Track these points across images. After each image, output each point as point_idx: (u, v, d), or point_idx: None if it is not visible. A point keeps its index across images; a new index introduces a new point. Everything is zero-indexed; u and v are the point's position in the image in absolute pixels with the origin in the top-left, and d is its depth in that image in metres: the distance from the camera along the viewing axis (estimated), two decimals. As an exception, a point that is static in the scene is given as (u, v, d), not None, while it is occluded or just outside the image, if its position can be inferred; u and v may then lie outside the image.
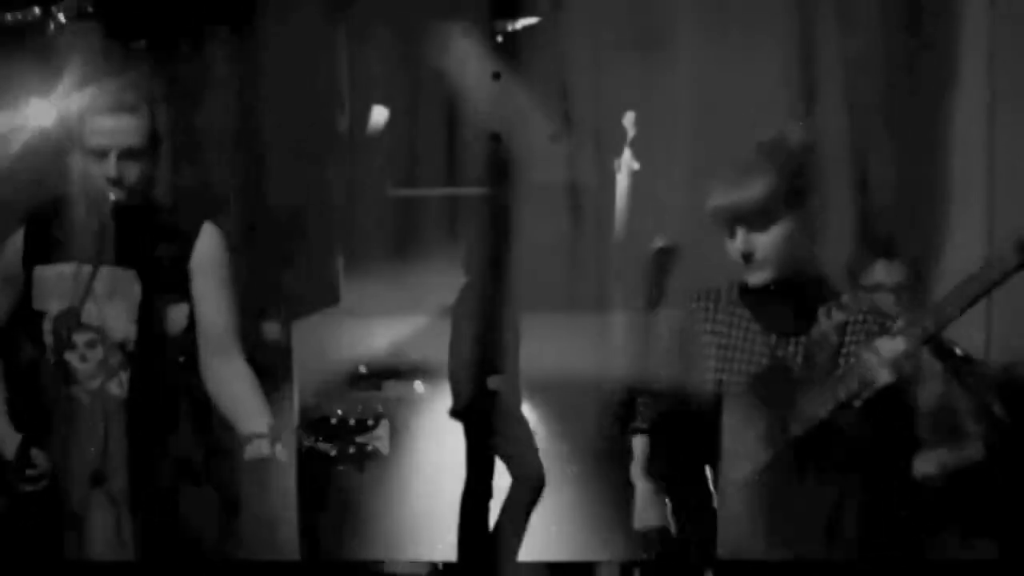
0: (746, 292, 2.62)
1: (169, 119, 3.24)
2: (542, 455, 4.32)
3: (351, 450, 2.88)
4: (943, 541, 3.20)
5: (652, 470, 2.71)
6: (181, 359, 2.93)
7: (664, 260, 3.83)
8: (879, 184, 4.02)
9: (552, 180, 4.83)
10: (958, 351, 3.22)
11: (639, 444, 2.77)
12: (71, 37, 3.49)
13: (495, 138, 4.51)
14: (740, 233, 2.53)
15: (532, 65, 4.76)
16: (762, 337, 2.60)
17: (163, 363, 2.91)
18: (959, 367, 3.20)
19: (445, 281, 4.48)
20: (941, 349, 3.11)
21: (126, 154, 2.79)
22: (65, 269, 2.85)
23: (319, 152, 4.57)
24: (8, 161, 3.15)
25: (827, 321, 2.57)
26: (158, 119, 2.88)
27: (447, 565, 3.93)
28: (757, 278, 2.55)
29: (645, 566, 2.74)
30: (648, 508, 2.71)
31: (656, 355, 2.75)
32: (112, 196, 2.77)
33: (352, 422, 2.89)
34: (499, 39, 4.82)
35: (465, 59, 4.75)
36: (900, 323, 2.43)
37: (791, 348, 2.59)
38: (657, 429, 2.74)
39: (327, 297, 4.69)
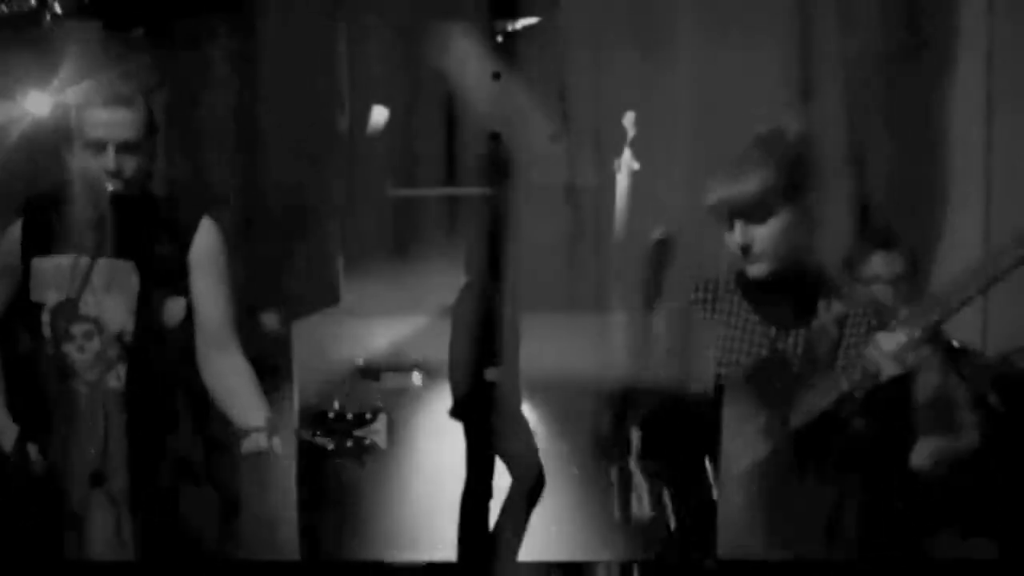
0: (745, 284, 2.62)
1: (166, 112, 3.24)
2: (542, 455, 4.33)
3: (349, 444, 2.89)
4: (943, 540, 3.20)
5: (643, 462, 2.72)
6: (179, 352, 2.93)
7: (662, 252, 3.83)
8: (877, 176, 4.03)
9: (552, 180, 4.82)
10: (955, 342, 3.23)
11: (637, 436, 2.77)
12: (67, 29, 3.49)
13: (495, 138, 4.51)
14: (738, 226, 2.54)
15: (532, 65, 4.76)
16: (761, 328, 2.61)
17: (161, 356, 2.92)
18: (956, 358, 3.21)
19: (445, 281, 4.49)
20: (938, 340, 3.12)
21: (124, 147, 2.80)
22: (63, 261, 2.85)
23: (319, 152, 4.57)
24: (5, 153, 3.15)
25: (827, 313, 2.58)
26: (155, 112, 2.89)
27: (447, 565, 3.92)
28: (756, 270, 2.56)
29: (645, 565, 2.75)
30: (640, 499, 2.72)
31: (655, 353, 2.75)
32: (110, 188, 2.78)
33: (350, 416, 2.90)
34: (499, 39, 4.82)
35: (465, 59, 4.75)
36: (904, 314, 2.44)
37: (791, 340, 2.60)
38: (651, 422, 2.74)
39: (327, 297, 4.69)
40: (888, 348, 2.38)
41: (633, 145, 4.69)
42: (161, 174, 3.15)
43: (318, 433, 2.87)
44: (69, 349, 2.86)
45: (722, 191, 2.54)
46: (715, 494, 2.58)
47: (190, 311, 2.94)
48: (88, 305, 2.84)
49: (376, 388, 4.61)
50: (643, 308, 2.90)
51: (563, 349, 4.31)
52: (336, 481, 4.15)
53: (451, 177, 4.96)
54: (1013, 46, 3.84)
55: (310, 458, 3.07)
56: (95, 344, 2.86)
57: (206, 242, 2.94)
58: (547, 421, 4.53)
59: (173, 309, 2.91)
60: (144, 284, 2.88)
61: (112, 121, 2.80)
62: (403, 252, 4.92)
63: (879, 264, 3.26)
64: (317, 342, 4.45)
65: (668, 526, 2.64)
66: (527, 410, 4.43)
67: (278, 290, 4.29)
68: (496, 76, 4.67)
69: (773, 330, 2.61)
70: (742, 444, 2.57)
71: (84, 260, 2.82)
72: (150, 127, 2.87)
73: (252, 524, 3.20)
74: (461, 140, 4.90)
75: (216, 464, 3.02)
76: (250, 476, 2.93)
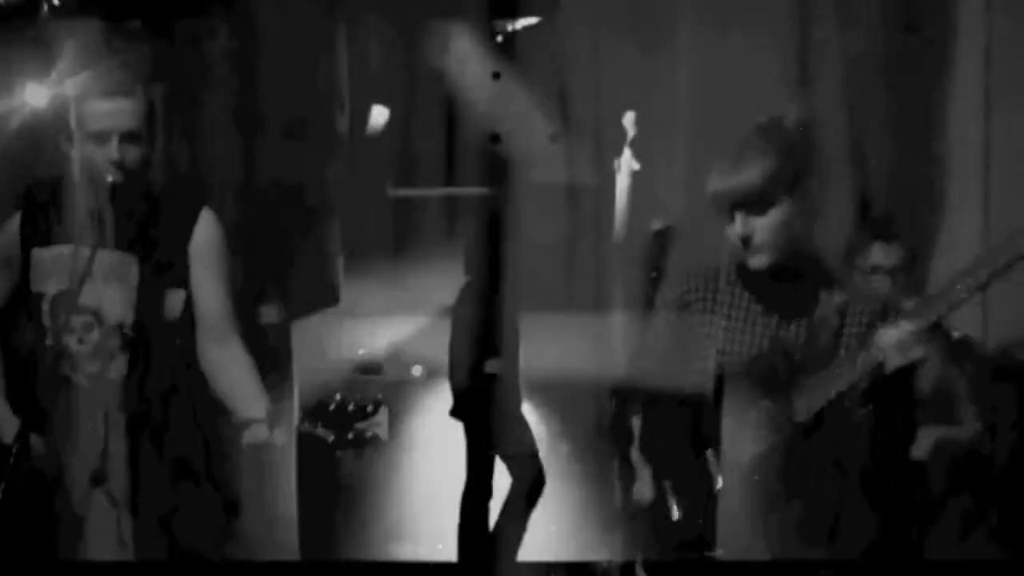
0: (746, 274, 2.62)
1: (165, 104, 3.24)
2: (542, 455, 4.32)
3: (350, 436, 2.89)
4: (943, 540, 3.20)
5: (643, 448, 2.72)
6: (178, 343, 2.94)
7: (663, 242, 3.84)
8: (876, 167, 4.03)
9: (552, 180, 4.82)
10: (955, 334, 3.23)
11: (637, 425, 2.78)
12: (66, 20, 3.49)
13: (495, 138, 4.51)
14: (739, 217, 2.54)
15: (531, 65, 4.76)
16: (763, 319, 2.61)
17: (160, 347, 2.92)
18: (956, 350, 3.21)
19: (445, 281, 4.49)
20: (938, 332, 3.12)
21: (127, 137, 2.80)
22: (63, 251, 2.86)
23: (319, 152, 4.57)
24: (5, 144, 3.16)
25: (828, 303, 2.58)
26: (155, 103, 2.89)
27: (447, 565, 3.93)
28: (757, 261, 2.56)
29: (646, 565, 2.74)
30: (641, 484, 2.72)
31: (655, 351, 2.75)
32: (111, 179, 2.78)
33: (351, 408, 2.90)
34: (499, 39, 4.81)
35: (465, 59, 4.75)
36: (910, 306, 2.44)
37: (792, 330, 2.60)
38: (652, 412, 2.74)
39: (327, 297, 4.69)
40: (893, 339, 2.39)
41: (633, 145, 4.69)
42: (160, 165, 3.15)
43: (319, 425, 2.87)
44: (69, 340, 2.86)
45: (723, 182, 2.55)
46: (717, 485, 2.58)
47: (190, 303, 2.94)
48: (88, 296, 2.85)
49: (377, 382, 4.61)
50: (644, 299, 2.91)
51: (563, 349, 4.31)
52: (337, 474, 4.16)
53: (451, 177, 4.96)
54: (1011, 25, 3.84)
55: (310, 451, 3.07)
56: (95, 335, 2.87)
57: (206, 233, 2.94)
58: (547, 421, 4.53)
59: (173, 301, 2.92)
60: (144, 275, 2.88)
61: (114, 111, 2.81)
62: (403, 252, 4.92)
63: (878, 255, 3.27)
64: (317, 342, 4.45)
65: (669, 513, 2.64)
66: (527, 410, 4.43)
67: (278, 284, 4.30)
68: (496, 76, 4.67)
69: (775, 320, 2.61)
70: (744, 435, 2.57)
71: (84, 251, 2.82)
72: (151, 117, 2.88)
73: (252, 524, 3.21)
74: (461, 140, 4.90)
75: (216, 464, 3.02)
76: (250, 468, 2.94)
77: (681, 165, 4.16)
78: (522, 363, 4.30)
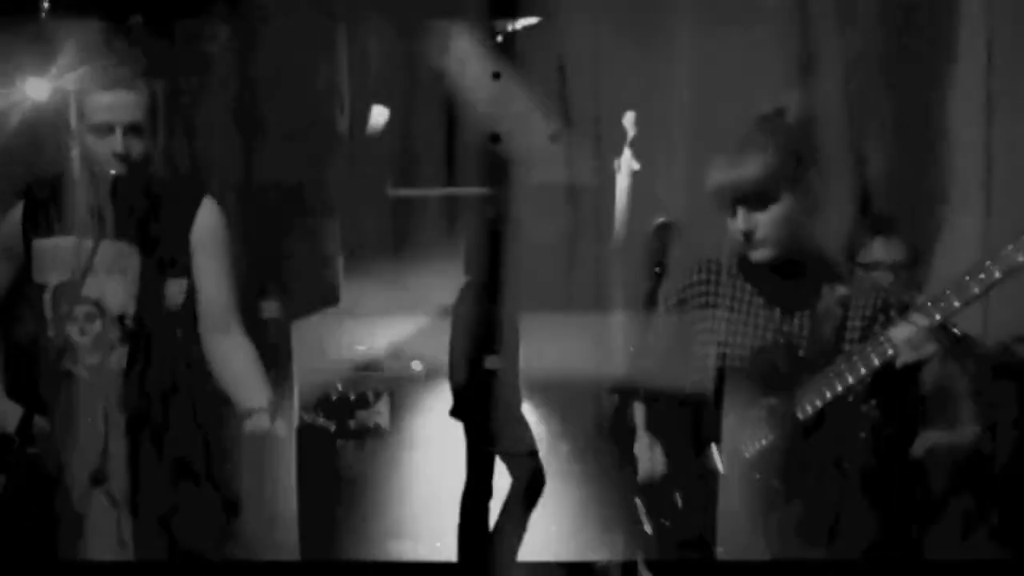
0: (748, 268, 2.62)
1: (166, 102, 3.24)
2: (542, 455, 4.32)
3: (352, 425, 2.91)
4: (943, 540, 3.20)
5: (651, 426, 2.72)
6: (179, 336, 2.94)
7: (664, 237, 3.84)
8: (877, 163, 4.03)
9: (552, 180, 4.82)
10: (956, 330, 3.23)
11: (642, 410, 2.78)
12: (67, 13, 3.49)
13: (495, 138, 4.51)
14: (741, 212, 2.54)
15: (532, 65, 4.76)
16: (766, 312, 2.62)
17: (162, 338, 2.93)
18: (956, 347, 3.21)
19: (445, 281, 4.48)
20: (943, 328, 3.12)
21: (131, 129, 2.81)
22: (65, 242, 2.87)
23: (319, 152, 4.58)
24: (6, 137, 3.16)
25: (830, 296, 2.58)
26: (158, 95, 2.90)
27: (447, 565, 3.92)
28: (758, 256, 2.56)
29: (647, 565, 2.74)
30: (645, 458, 2.72)
31: (656, 349, 2.76)
32: (114, 171, 2.79)
33: (352, 398, 2.91)
34: (499, 39, 4.81)
35: (465, 59, 4.75)
36: (922, 301, 2.44)
37: (796, 323, 2.60)
38: (656, 402, 2.74)
39: (327, 297, 4.69)
40: (904, 336, 2.39)
41: (633, 145, 4.69)
42: (162, 160, 3.15)
43: (321, 415, 2.88)
44: (71, 331, 2.87)
45: (724, 176, 2.55)
46: (720, 477, 2.59)
47: (191, 293, 2.95)
48: (90, 287, 2.85)
49: (377, 377, 4.60)
50: (647, 295, 2.91)
51: (563, 349, 4.31)
52: (337, 469, 4.15)
53: (451, 177, 4.96)
54: (1013, 21, 3.84)
55: (311, 446, 3.08)
56: (96, 326, 2.87)
57: (208, 222, 2.95)
58: (547, 421, 4.52)
59: (174, 291, 2.92)
60: (145, 266, 2.89)
61: (118, 104, 2.81)
62: (403, 252, 4.92)
63: (880, 250, 3.27)
64: (317, 342, 4.45)
65: (673, 485, 2.65)
66: (527, 410, 4.43)
67: (278, 283, 4.30)
68: (496, 76, 4.67)
69: (777, 313, 2.61)
70: (746, 432, 2.57)
71: (86, 242, 2.83)
72: (153, 110, 2.89)
73: (252, 523, 3.21)
74: (461, 140, 4.90)
75: (216, 464, 3.02)
76: (250, 464, 2.94)
77: (681, 164, 4.16)
78: (522, 363, 4.30)
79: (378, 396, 2.86)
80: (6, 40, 3.27)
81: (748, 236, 2.56)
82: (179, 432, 2.96)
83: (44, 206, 2.91)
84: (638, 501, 2.73)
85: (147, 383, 2.91)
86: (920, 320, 2.40)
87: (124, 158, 2.81)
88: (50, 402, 2.86)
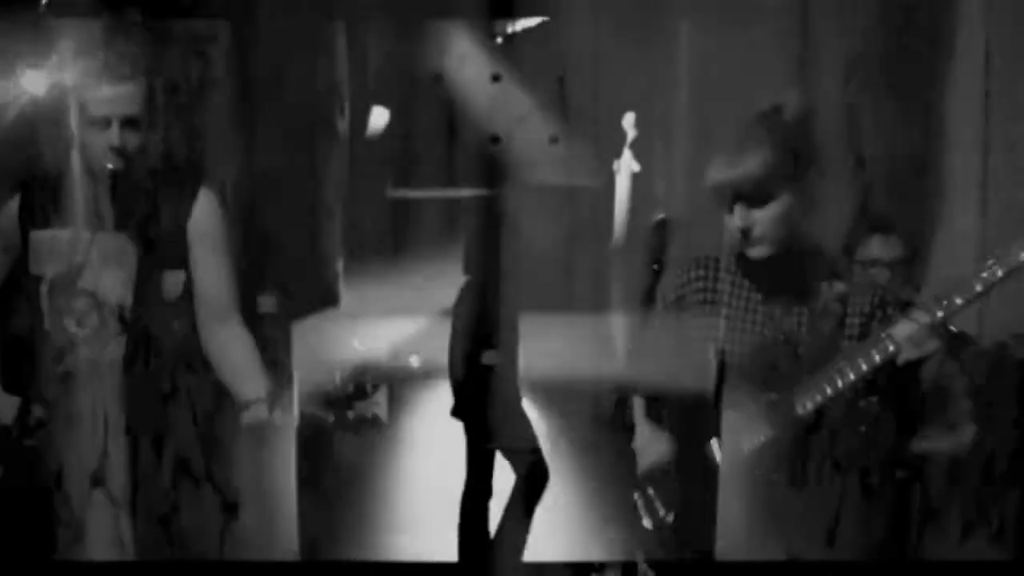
0: (746, 264, 2.63)
1: (164, 90, 3.25)
2: (545, 453, 4.31)
3: (350, 416, 2.91)
4: (943, 540, 3.20)
5: (652, 413, 2.72)
6: (177, 329, 2.94)
7: (663, 232, 3.84)
8: (875, 160, 4.03)
9: (552, 181, 4.82)
10: (952, 328, 3.23)
11: (642, 402, 2.78)
12: (65, 7, 3.49)
13: (494, 140, 4.51)
14: (739, 209, 2.55)
15: (531, 67, 4.76)
16: (764, 308, 2.62)
17: (160, 329, 2.93)
18: (953, 344, 3.21)
19: (445, 282, 4.48)
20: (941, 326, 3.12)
21: (128, 122, 2.81)
22: (61, 234, 2.87)
23: (319, 152, 4.58)
24: (4, 130, 3.16)
25: (829, 292, 2.59)
26: (154, 89, 2.90)
27: (448, 565, 3.92)
28: (756, 253, 2.57)
29: (649, 565, 2.75)
30: (649, 446, 2.72)
31: (655, 347, 2.76)
32: (111, 164, 2.79)
33: (351, 389, 2.92)
34: (498, 40, 4.81)
35: (464, 61, 4.75)
36: (925, 298, 2.45)
37: (795, 319, 2.60)
38: (655, 397, 2.74)
39: (326, 298, 4.69)
40: (907, 333, 2.40)
41: (633, 146, 4.69)
42: (159, 153, 3.15)
43: (319, 407, 2.89)
44: (68, 323, 2.87)
45: (723, 173, 2.55)
46: (719, 472, 2.59)
47: (189, 285, 2.95)
48: (87, 279, 2.86)
49: (375, 372, 4.60)
50: (645, 292, 2.91)
51: (563, 350, 4.31)
52: (337, 465, 4.15)
53: (451, 178, 4.96)
54: (1011, 15, 3.84)
55: (311, 443, 3.08)
56: (93, 319, 2.88)
57: (205, 212, 2.96)
58: (547, 422, 4.52)
59: (172, 282, 2.92)
60: (143, 257, 2.89)
61: (116, 97, 2.82)
62: (403, 253, 4.92)
63: (877, 247, 3.27)
64: (316, 343, 4.45)
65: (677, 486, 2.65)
66: (528, 408, 4.42)
67: (277, 283, 4.30)
68: (496, 78, 4.67)
69: (775, 309, 2.62)
70: (745, 430, 2.58)
71: (83, 234, 2.83)
72: (151, 104, 2.89)
73: (252, 523, 3.20)
74: (461, 142, 4.90)
75: (216, 464, 3.02)
76: (250, 462, 2.94)
77: (681, 165, 4.16)
78: (522, 362, 4.29)
79: (376, 387, 2.86)
80: (3, 33, 3.27)
81: (746, 233, 2.56)
82: (179, 432, 2.96)
83: (41, 198, 2.92)
84: (637, 497, 2.74)
85: (147, 377, 2.91)
86: (923, 317, 2.41)
87: (121, 151, 2.82)
88: (47, 395, 2.87)
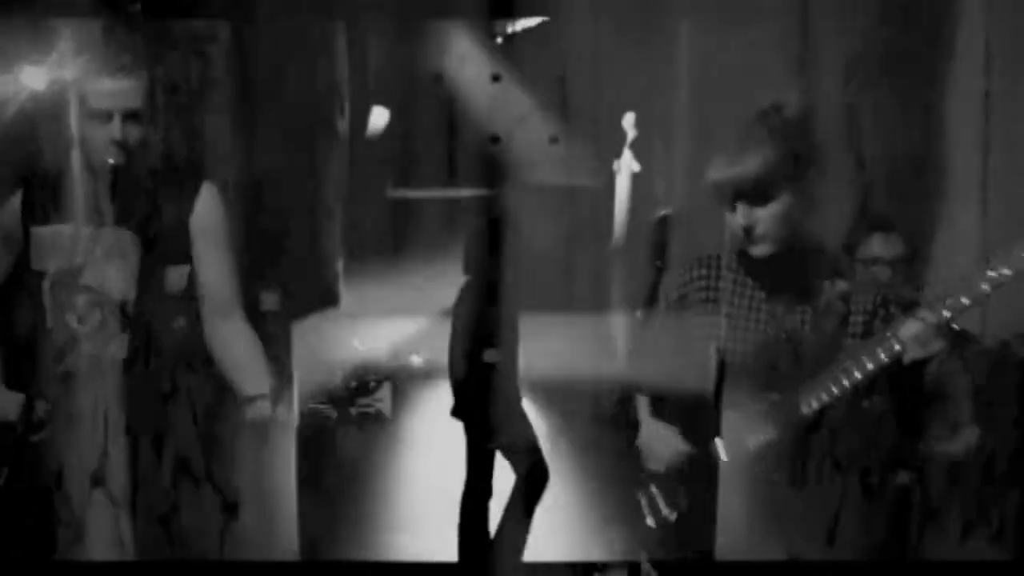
0: (748, 262, 2.63)
1: (166, 84, 3.24)
2: (545, 453, 4.31)
3: (353, 412, 2.91)
4: (943, 540, 3.20)
5: (658, 411, 2.72)
6: (180, 322, 2.94)
7: (666, 229, 3.84)
8: (875, 159, 4.03)
9: (552, 181, 4.82)
10: (955, 327, 3.22)
11: (646, 401, 2.78)
12: (64, 2, 3.49)
13: (494, 140, 4.51)
14: (741, 208, 2.55)
15: (531, 67, 4.76)
16: (766, 307, 2.62)
17: (162, 325, 2.93)
18: (957, 343, 3.21)
19: (445, 282, 4.48)
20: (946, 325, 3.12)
21: (129, 116, 2.81)
22: (64, 229, 2.86)
23: (319, 152, 4.58)
24: (5, 125, 3.16)
25: (831, 291, 2.59)
26: (156, 83, 2.90)
27: (448, 566, 3.92)
28: (758, 251, 2.57)
29: (651, 564, 2.74)
30: (662, 444, 2.72)
31: (656, 346, 2.76)
32: (113, 158, 2.79)
33: (354, 385, 2.92)
34: (498, 40, 4.82)
35: (464, 61, 4.75)
36: (931, 298, 2.45)
37: (797, 318, 2.60)
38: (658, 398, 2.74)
39: (326, 298, 4.69)
40: (913, 332, 2.39)
41: (633, 146, 4.69)
42: (160, 144, 3.15)
43: (322, 403, 2.89)
44: (70, 319, 2.87)
45: (724, 172, 2.55)
46: (722, 471, 2.59)
47: (192, 281, 2.95)
48: (89, 275, 2.85)
49: (378, 369, 4.60)
50: (648, 289, 2.91)
51: (563, 350, 4.31)
52: (338, 464, 4.15)
53: (451, 179, 4.96)
54: (1012, 17, 3.84)
55: (311, 442, 3.08)
56: (96, 314, 2.88)
57: (208, 207, 2.95)
58: (547, 421, 4.52)
59: (175, 277, 2.92)
60: (145, 253, 2.89)
61: (117, 91, 2.82)
62: (403, 253, 4.92)
63: (878, 246, 3.27)
64: (317, 343, 4.45)
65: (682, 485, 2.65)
66: (528, 408, 4.42)
67: (277, 276, 4.30)
68: (496, 78, 4.67)
69: (779, 307, 2.62)
70: (747, 429, 2.57)
71: (85, 229, 2.83)
72: (152, 97, 2.89)
73: (252, 523, 3.20)
74: (461, 142, 4.90)
75: (216, 464, 3.02)
76: (251, 450, 2.94)
77: (681, 165, 4.16)
78: (522, 361, 4.29)
79: (379, 384, 2.87)
80: (4, 28, 3.27)
81: (748, 232, 2.56)
82: (179, 432, 2.96)
83: (43, 194, 2.91)
84: (641, 497, 2.74)
85: (148, 375, 2.91)
86: (929, 317, 2.41)
87: (122, 145, 2.82)
88: (49, 392, 2.86)
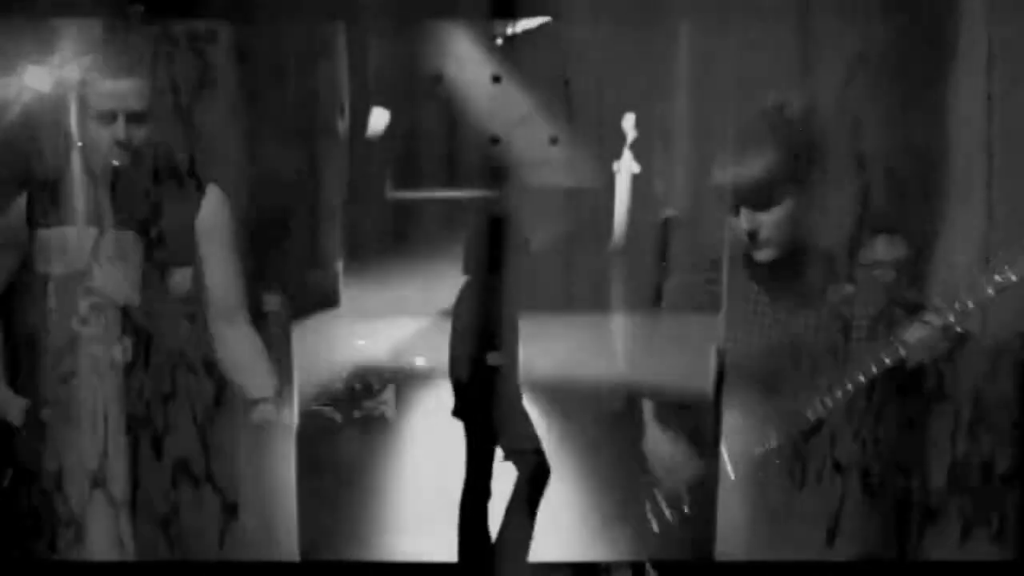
0: (752, 266, 2.63)
1: (168, 85, 3.24)
2: (547, 453, 4.31)
3: (357, 415, 2.92)
4: (943, 540, 3.20)
5: (662, 416, 2.73)
6: (185, 324, 2.94)
7: (672, 231, 3.84)
8: (878, 160, 4.02)
9: (552, 182, 4.83)
10: (960, 330, 3.22)
11: (650, 406, 2.78)
12: (69, 1, 3.49)
13: (494, 141, 4.51)
14: (744, 212, 2.55)
15: (532, 67, 4.76)
16: (771, 311, 2.62)
17: (166, 328, 2.93)
18: (961, 345, 3.20)
19: (445, 282, 4.48)
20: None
21: (133, 117, 2.82)
22: (69, 232, 2.87)
23: (319, 153, 4.58)
24: (8, 127, 3.16)
25: (836, 295, 2.59)
26: (160, 83, 2.91)
27: (448, 566, 3.92)
28: (763, 256, 2.57)
29: (652, 564, 2.75)
30: (660, 455, 2.72)
31: (659, 348, 2.76)
32: (117, 159, 2.80)
33: (358, 387, 2.92)
34: (499, 42, 4.82)
35: (464, 62, 4.75)
36: (936, 301, 2.45)
37: (802, 322, 2.61)
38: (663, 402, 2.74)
39: (326, 299, 4.69)
40: (918, 336, 2.40)
41: (633, 147, 4.69)
42: (164, 145, 3.15)
43: (326, 406, 2.89)
44: (74, 322, 2.87)
45: (727, 176, 2.56)
46: (730, 477, 2.59)
47: (197, 284, 2.95)
48: (94, 277, 2.86)
49: (381, 369, 4.59)
50: (653, 290, 2.91)
51: (563, 350, 4.31)
52: (338, 464, 4.15)
53: (451, 180, 4.96)
54: (1013, 15, 3.83)
55: (311, 442, 3.09)
56: (100, 317, 2.88)
57: (213, 208, 2.96)
58: (548, 422, 4.52)
59: (179, 280, 2.93)
60: (150, 255, 2.89)
61: (121, 91, 2.83)
62: (403, 254, 4.92)
63: (882, 249, 3.26)
64: (316, 344, 4.44)
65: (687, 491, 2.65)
66: (531, 409, 4.42)
67: (278, 278, 4.30)
68: (496, 79, 4.67)
69: (782, 312, 2.62)
70: (754, 429, 2.57)
71: (90, 231, 2.83)
72: (156, 98, 2.90)
73: (252, 524, 3.20)
74: (461, 143, 4.90)
75: (216, 464, 3.02)
76: (251, 452, 2.94)
77: (681, 166, 4.16)
78: (522, 363, 4.30)
79: (384, 384, 2.87)
80: (8, 29, 3.27)
81: (752, 236, 2.56)
82: (179, 432, 2.96)
83: (47, 196, 2.92)
84: (645, 501, 2.74)
85: (150, 375, 2.91)
86: (935, 320, 2.41)
87: (126, 146, 2.82)
88: (52, 395, 2.87)
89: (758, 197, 2.54)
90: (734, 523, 2.66)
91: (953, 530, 3.23)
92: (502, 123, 4.52)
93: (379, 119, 4.95)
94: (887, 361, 2.45)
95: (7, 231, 2.95)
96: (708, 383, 2.63)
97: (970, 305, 2.40)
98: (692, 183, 3.70)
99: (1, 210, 2.95)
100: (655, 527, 2.73)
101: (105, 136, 2.82)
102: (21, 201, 2.95)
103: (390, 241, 4.96)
